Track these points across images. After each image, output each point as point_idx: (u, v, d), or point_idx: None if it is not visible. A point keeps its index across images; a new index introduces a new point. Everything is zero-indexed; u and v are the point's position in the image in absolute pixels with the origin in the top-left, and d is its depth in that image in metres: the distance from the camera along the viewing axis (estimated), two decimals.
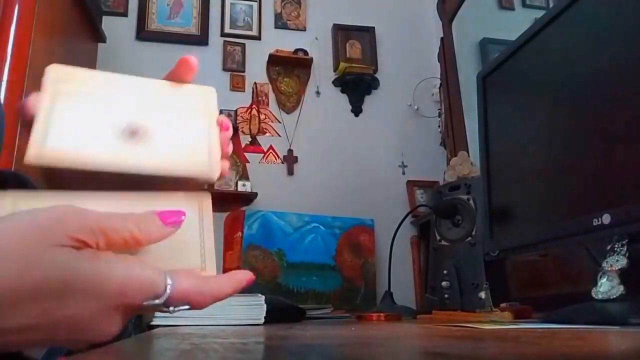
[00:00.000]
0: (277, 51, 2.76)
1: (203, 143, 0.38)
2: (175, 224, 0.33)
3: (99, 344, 0.32)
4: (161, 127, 0.38)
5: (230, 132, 0.40)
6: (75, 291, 0.28)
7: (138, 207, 0.33)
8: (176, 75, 0.40)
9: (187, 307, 0.32)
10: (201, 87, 0.41)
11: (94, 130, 0.35)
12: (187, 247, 0.35)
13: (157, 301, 0.30)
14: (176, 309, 0.31)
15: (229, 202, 2.49)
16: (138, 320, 1.35)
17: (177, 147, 0.37)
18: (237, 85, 2.71)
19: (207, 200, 0.38)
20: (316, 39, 2.86)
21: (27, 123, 0.34)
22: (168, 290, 0.30)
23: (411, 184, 2.70)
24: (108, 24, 2.56)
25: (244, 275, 0.35)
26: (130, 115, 0.37)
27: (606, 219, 0.72)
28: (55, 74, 0.37)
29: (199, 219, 0.37)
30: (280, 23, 2.88)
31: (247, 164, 2.61)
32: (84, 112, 0.36)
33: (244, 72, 2.74)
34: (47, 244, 0.28)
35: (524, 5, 2.15)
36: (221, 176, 0.38)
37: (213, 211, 0.37)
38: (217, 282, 0.33)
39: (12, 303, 0.27)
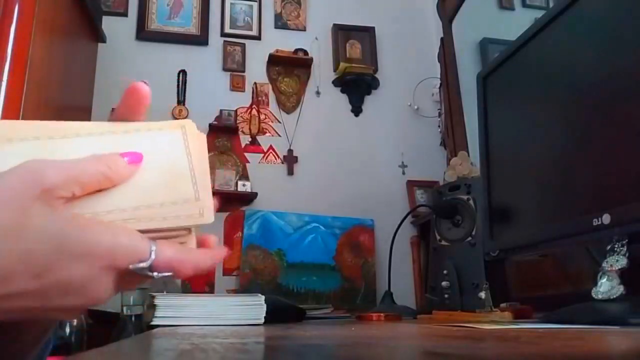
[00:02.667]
0: (277, 51, 2.76)
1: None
2: (137, 162, 0.35)
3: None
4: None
5: None
6: (65, 257, 0.29)
7: (122, 146, 0.35)
8: (127, 108, 0.37)
9: (170, 274, 0.33)
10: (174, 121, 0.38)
11: None
12: (179, 179, 0.35)
13: (142, 264, 0.32)
14: (160, 274, 0.33)
15: (229, 202, 2.49)
16: (138, 320, 1.35)
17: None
18: (237, 85, 2.70)
19: (189, 125, 0.38)
20: (316, 39, 2.86)
21: None
22: (152, 256, 0.32)
23: (411, 184, 2.70)
24: (108, 24, 2.56)
25: (221, 250, 0.38)
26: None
27: (606, 219, 0.72)
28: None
29: (184, 147, 0.37)
30: (280, 23, 2.88)
31: (247, 164, 2.61)
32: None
33: (244, 72, 2.74)
34: (26, 209, 0.29)
35: (524, 5, 2.15)
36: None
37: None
38: (198, 253, 0.36)
39: (3, 271, 0.28)
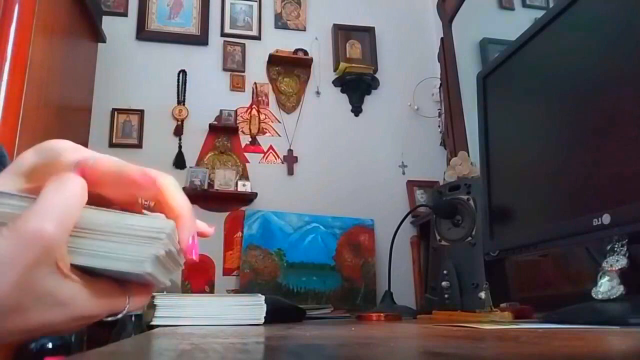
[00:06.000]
0: (277, 51, 2.76)
1: None
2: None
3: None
4: None
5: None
6: (36, 303, 0.27)
7: None
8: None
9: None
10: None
11: None
12: None
13: (113, 318, 0.33)
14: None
15: (229, 202, 2.49)
16: (138, 320, 1.35)
17: None
18: (237, 85, 2.71)
19: None
20: (316, 39, 2.86)
21: None
22: (125, 312, 0.33)
23: (411, 184, 2.70)
24: (108, 24, 2.56)
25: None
26: None
27: (606, 219, 0.72)
28: None
29: None
30: (280, 23, 2.88)
31: (247, 164, 2.61)
32: None
33: (244, 72, 2.74)
34: None
35: (524, 5, 2.15)
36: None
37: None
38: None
39: None
